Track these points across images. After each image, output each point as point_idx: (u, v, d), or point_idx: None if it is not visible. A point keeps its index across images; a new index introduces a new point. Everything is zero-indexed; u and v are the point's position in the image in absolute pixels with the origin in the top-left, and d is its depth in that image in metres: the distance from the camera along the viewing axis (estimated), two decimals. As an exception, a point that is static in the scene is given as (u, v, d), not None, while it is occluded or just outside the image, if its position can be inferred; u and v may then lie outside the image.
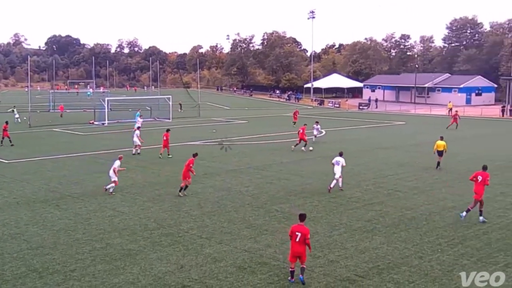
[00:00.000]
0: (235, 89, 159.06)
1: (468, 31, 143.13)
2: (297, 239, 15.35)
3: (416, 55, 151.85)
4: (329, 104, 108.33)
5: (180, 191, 26.14)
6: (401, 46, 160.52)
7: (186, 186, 26.25)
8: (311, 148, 40.91)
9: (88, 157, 39.05)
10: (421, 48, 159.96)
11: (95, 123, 65.69)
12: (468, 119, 75.54)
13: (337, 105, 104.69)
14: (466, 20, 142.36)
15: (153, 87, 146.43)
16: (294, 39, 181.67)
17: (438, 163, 33.70)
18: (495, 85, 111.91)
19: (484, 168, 23.00)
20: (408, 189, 27.93)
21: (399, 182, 29.55)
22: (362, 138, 50.03)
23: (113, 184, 26.40)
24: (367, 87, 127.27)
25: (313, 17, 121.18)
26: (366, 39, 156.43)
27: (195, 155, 27.10)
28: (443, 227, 21.00)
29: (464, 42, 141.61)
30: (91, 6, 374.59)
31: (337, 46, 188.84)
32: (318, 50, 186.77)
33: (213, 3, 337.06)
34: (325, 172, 31.96)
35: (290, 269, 15.66)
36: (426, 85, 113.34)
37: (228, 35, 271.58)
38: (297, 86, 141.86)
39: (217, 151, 40.77)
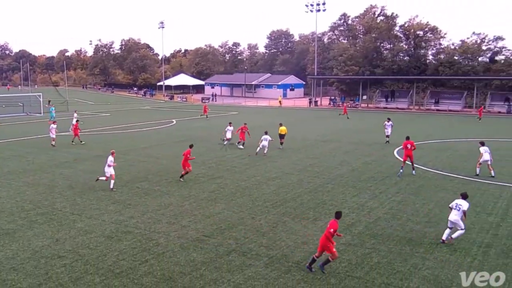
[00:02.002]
0: (98, 87, 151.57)
1: (283, 40, 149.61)
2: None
3: (245, 59, 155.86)
4: (178, 99, 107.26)
5: (181, 177, 24.36)
6: (233, 52, 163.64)
7: (187, 172, 24.42)
8: (241, 146, 35.36)
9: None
10: (249, 53, 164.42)
11: (-30, 118, 59.27)
12: (285, 109, 79.35)
13: (185, 100, 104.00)
14: (281, 32, 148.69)
15: (33, 86, 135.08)
16: (148, 45, 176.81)
17: (281, 143, 34.92)
18: (304, 82, 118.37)
19: (408, 138, 26.15)
20: (242, 165, 28.70)
21: (236, 160, 30.25)
22: (205, 126, 50.33)
23: (109, 180, 22.42)
24: (208, 85, 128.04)
25: (163, 27, 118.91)
26: (206, 45, 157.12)
27: (191, 146, 25.21)
28: (269, 193, 21.88)
29: (280, 49, 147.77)
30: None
31: (183, 51, 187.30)
32: (168, 54, 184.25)
33: (76, 10, 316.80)
34: (176, 154, 31.82)
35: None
36: (253, 83, 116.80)
37: (91, 41, 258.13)
38: (151, 84, 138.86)
39: (84, 139, 38.82)
